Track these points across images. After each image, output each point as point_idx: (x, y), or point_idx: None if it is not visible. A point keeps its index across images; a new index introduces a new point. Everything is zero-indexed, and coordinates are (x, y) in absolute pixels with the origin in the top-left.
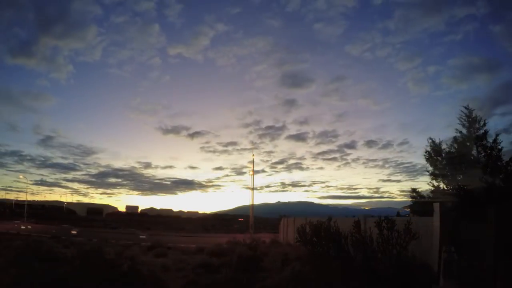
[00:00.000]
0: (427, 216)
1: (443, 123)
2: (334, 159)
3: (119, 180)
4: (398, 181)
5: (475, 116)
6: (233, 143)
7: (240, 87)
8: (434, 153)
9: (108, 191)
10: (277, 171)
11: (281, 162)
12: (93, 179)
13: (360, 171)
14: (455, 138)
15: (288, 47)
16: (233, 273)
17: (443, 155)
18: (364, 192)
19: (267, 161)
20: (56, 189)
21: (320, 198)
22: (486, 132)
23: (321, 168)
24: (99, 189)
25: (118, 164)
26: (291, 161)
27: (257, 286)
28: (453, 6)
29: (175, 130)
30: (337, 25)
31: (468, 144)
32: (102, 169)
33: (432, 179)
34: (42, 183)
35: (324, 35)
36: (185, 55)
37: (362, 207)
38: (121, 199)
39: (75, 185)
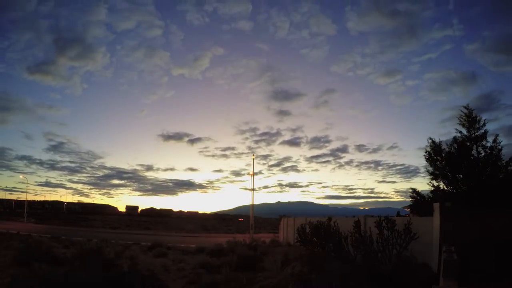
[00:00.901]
0: (427, 216)
1: (427, 129)
2: (328, 161)
3: (122, 181)
4: (393, 182)
5: (475, 116)
6: (231, 148)
7: (236, 100)
8: (434, 153)
9: (112, 192)
10: (274, 173)
11: (277, 165)
12: (98, 181)
13: (354, 173)
14: (455, 138)
15: (279, 68)
16: (233, 273)
17: (443, 155)
18: (360, 193)
19: (264, 164)
20: (59, 190)
21: (317, 199)
22: (486, 132)
23: (316, 170)
24: (102, 190)
25: (122, 167)
26: (287, 164)
27: (257, 286)
28: (431, 29)
29: (176, 137)
30: (321, 50)
31: (468, 143)
32: (107, 172)
33: (432, 179)
34: (46, 184)
35: (310, 58)
36: (187, 76)
37: (361, 207)
38: (122, 200)
39: (79, 186)
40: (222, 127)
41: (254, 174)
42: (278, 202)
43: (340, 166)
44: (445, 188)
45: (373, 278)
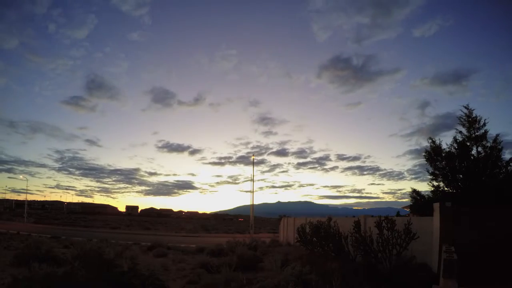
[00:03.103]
0: (427, 216)
1: (395, 143)
2: (315, 167)
3: (129, 185)
4: (382, 184)
5: (475, 116)
6: (227, 158)
7: (228, 125)
8: (434, 153)
9: (116, 193)
10: (267, 177)
11: (269, 171)
12: (105, 185)
13: (344, 176)
14: (455, 138)
15: (263, 103)
16: (233, 273)
17: (443, 155)
18: (354, 194)
19: (257, 170)
20: (68, 191)
21: (314, 198)
22: (486, 132)
23: (306, 174)
24: (108, 192)
25: (128, 173)
26: (278, 170)
27: (257, 286)
28: (382, 74)
29: (179, 149)
30: (295, 93)
31: (468, 143)
32: (116, 177)
33: (432, 179)
34: (57, 186)
35: (287, 98)
36: (190, 111)
37: (358, 208)
38: (122, 200)
39: (88, 188)
40: (218, 142)
41: (250, 177)
42: (278, 202)
43: (326, 171)
44: (445, 188)
45: (373, 278)
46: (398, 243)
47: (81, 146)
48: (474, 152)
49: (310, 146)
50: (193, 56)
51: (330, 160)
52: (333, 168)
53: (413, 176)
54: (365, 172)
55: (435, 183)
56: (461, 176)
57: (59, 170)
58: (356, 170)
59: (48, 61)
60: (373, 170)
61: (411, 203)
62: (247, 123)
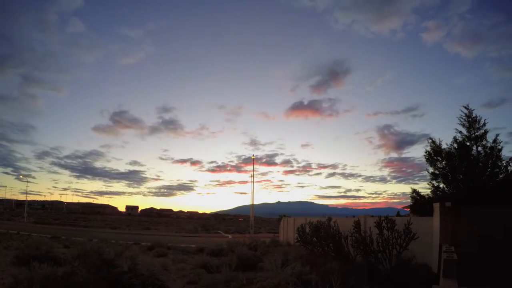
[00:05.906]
0: (427, 216)
1: (363, 155)
2: (301, 174)
3: (133, 188)
4: (368, 187)
5: (475, 116)
6: (223, 166)
7: (223, 145)
8: (434, 153)
9: (122, 194)
10: (260, 179)
11: (262, 175)
12: (110, 189)
13: (332, 179)
14: (455, 138)
15: (250, 133)
16: (233, 273)
17: (443, 155)
18: (348, 194)
19: (250, 176)
20: (75, 192)
21: (314, 199)
22: (486, 132)
23: (295, 179)
24: (113, 194)
25: (140, 180)
26: (270, 175)
27: (257, 286)
28: (344, 112)
29: (180, 161)
30: (271, 128)
31: (468, 143)
32: (124, 182)
33: (432, 179)
34: (67, 188)
35: (267, 129)
36: (192, 136)
37: (354, 207)
38: (122, 200)
39: (97, 190)
40: (214, 155)
41: (245, 182)
42: (278, 202)
43: (313, 177)
44: (445, 188)
45: (373, 278)
46: (398, 243)
47: (103, 159)
48: (474, 152)
49: (294, 157)
50: (197, 102)
51: (314, 168)
52: (318, 174)
53: (395, 180)
54: (349, 178)
55: (435, 183)
56: (461, 176)
57: (77, 177)
58: (340, 176)
59: (86, 105)
60: (355, 176)
61: (411, 203)
62: (238, 144)
